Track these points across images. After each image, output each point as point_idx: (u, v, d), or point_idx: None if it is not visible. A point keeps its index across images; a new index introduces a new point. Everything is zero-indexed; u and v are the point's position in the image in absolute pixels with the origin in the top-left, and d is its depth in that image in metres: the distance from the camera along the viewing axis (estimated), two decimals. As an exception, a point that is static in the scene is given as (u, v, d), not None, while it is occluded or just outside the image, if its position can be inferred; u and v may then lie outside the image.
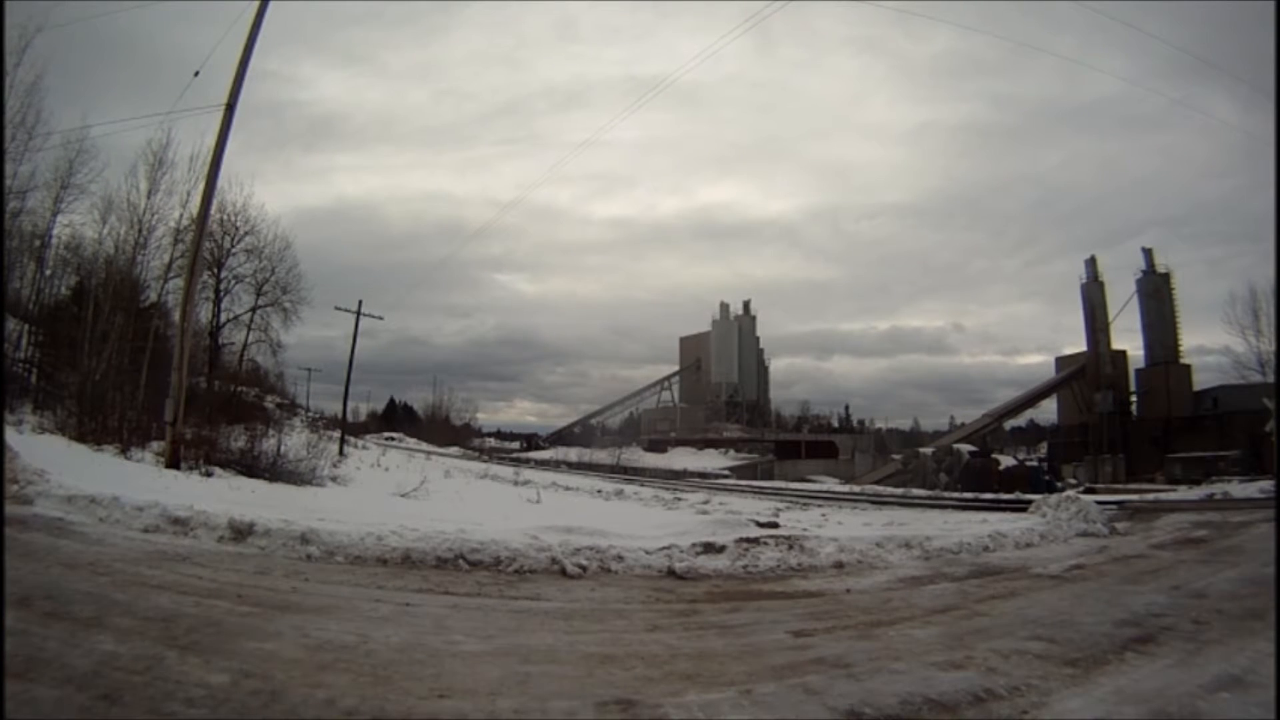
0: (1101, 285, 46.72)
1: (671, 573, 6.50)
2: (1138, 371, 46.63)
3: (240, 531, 6.46)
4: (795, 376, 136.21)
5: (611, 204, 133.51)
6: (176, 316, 16.84)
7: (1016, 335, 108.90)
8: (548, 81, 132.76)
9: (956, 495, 22.07)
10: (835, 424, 74.51)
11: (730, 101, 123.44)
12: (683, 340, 72.91)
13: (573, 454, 54.72)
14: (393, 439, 61.01)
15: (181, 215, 18.61)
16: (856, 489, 28.85)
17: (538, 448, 69.66)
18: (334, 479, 15.96)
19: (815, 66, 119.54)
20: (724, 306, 70.53)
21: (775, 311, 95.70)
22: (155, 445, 13.20)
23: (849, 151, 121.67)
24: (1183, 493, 17.53)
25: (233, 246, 26.42)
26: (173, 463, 11.74)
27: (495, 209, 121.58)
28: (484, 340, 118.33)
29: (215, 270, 25.82)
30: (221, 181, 17.25)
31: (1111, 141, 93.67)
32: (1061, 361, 50.74)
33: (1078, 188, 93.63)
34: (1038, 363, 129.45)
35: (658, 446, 58.17)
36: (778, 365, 75.30)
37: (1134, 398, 46.14)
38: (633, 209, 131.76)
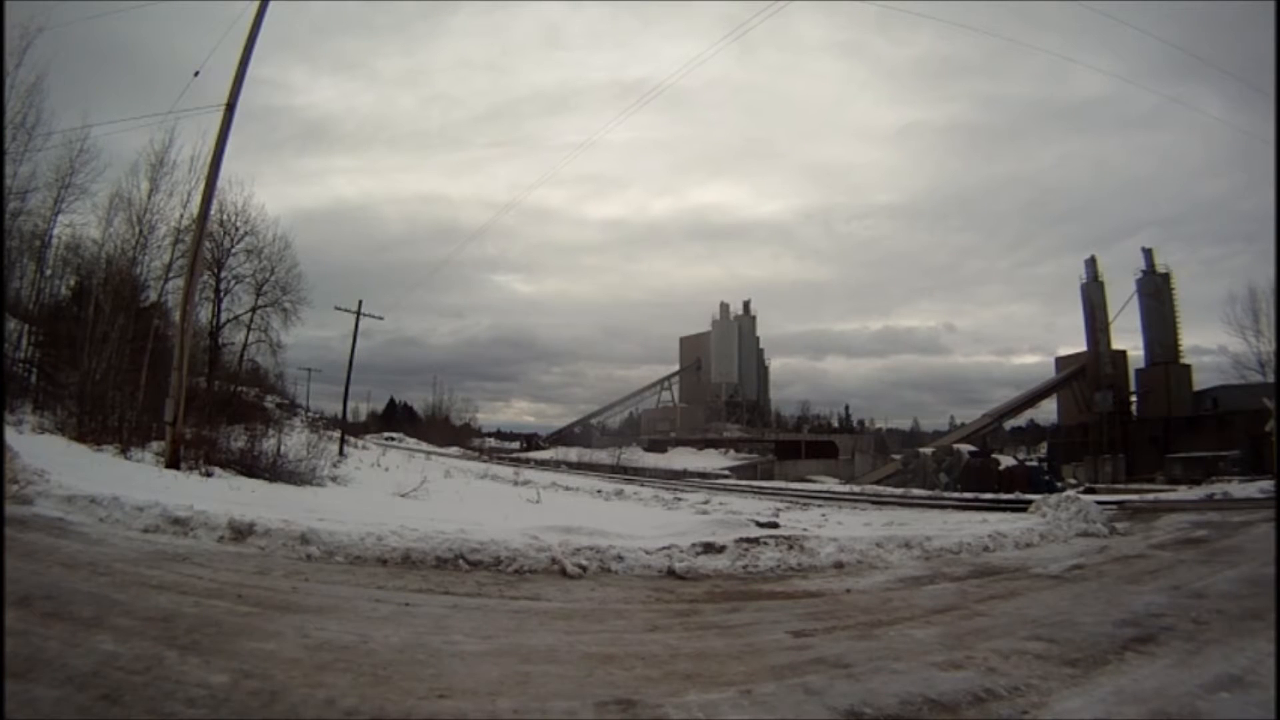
0: (1101, 285, 46.79)
1: (671, 573, 6.50)
2: (1138, 371, 46.67)
3: (240, 531, 6.46)
4: (791, 377, 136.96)
5: (605, 205, 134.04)
6: (176, 316, 16.83)
7: (1011, 335, 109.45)
8: (535, 86, 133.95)
9: (956, 495, 22.08)
10: (835, 424, 74.56)
11: (716, 104, 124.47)
12: (683, 340, 72.95)
13: (573, 454, 54.74)
14: (393, 439, 61.04)
15: (182, 216, 18.59)
16: (856, 489, 28.85)
17: (537, 448, 69.66)
18: (334, 479, 15.96)
19: (798, 70, 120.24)
20: (724, 306, 70.60)
21: (771, 312, 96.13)
22: (155, 445, 13.20)
23: (838, 153, 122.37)
24: (1183, 493, 17.53)
25: (233, 247, 26.37)
26: (173, 463, 11.74)
27: (489, 210, 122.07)
28: (478, 340, 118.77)
29: (215, 270, 25.78)
30: (221, 182, 17.30)
31: (1104, 141, 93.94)
32: (1061, 361, 50.78)
33: (1071, 188, 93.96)
34: (1033, 363, 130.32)
35: (658, 446, 58.18)
36: (774, 365, 75.33)
37: (1134, 398, 46.15)
38: (626, 210, 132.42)
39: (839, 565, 7.12)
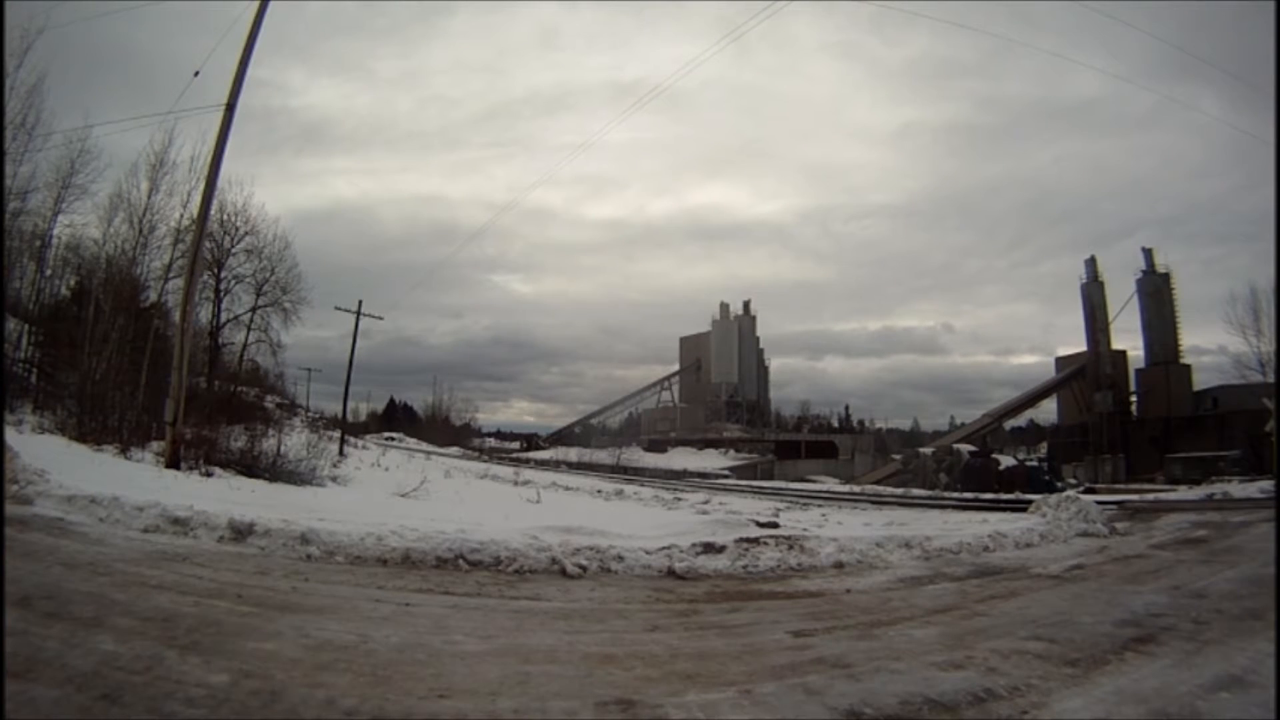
0: (1101, 285, 46.82)
1: (671, 573, 6.49)
2: (1138, 371, 46.69)
3: (240, 531, 6.46)
4: (790, 376, 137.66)
5: (603, 205, 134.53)
6: (176, 316, 16.84)
7: (1009, 335, 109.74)
8: (531, 87, 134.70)
9: (956, 495, 22.08)
10: (835, 424, 74.60)
11: (714, 105, 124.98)
12: (683, 340, 73.00)
13: (573, 454, 54.76)
14: (393, 439, 61.04)
15: (182, 216, 18.64)
16: (856, 489, 28.85)
17: (538, 448, 69.68)
18: (334, 479, 15.97)
19: (794, 71, 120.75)
20: (724, 306, 70.64)
21: (770, 312, 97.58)
22: (155, 445, 13.20)
23: (835, 153, 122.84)
24: (1183, 493, 17.52)
25: (233, 247, 26.45)
26: (173, 463, 11.74)
27: (488, 210, 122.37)
28: (477, 341, 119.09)
29: (215, 270, 25.82)
30: (221, 182, 17.31)
31: (1103, 141, 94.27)
32: (1061, 361, 50.84)
33: (1070, 188, 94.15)
34: (1032, 363, 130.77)
35: (658, 446, 58.19)
36: (774, 365, 75.41)
37: (1134, 398, 46.16)
38: (624, 210, 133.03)
39: (839, 565, 7.12)
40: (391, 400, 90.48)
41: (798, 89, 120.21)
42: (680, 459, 49.60)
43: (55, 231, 19.80)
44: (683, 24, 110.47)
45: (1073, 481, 32.35)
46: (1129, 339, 48.21)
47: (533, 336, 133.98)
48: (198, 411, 15.43)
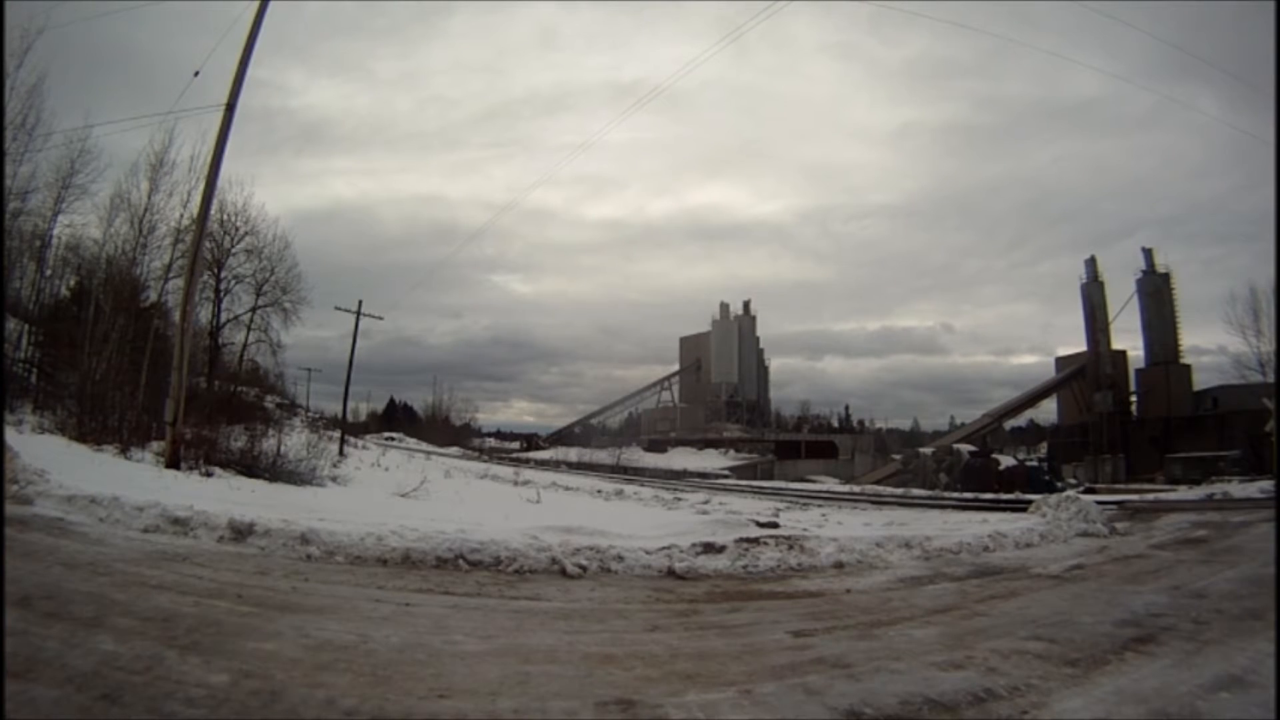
0: (1101, 285, 46.81)
1: (671, 573, 6.50)
2: (1138, 371, 46.68)
3: (240, 531, 6.46)
4: (790, 376, 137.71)
5: (602, 205, 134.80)
6: (176, 316, 16.84)
7: (1009, 335, 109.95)
8: (531, 88, 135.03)
9: (956, 495, 22.07)
10: (835, 424, 74.60)
11: (713, 105, 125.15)
12: (683, 340, 73.01)
13: (572, 454, 54.74)
14: (393, 439, 61.04)
15: (182, 215, 18.63)
16: (856, 489, 28.84)
17: (537, 448, 69.67)
18: (334, 479, 15.96)
19: (793, 72, 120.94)
20: (724, 306, 70.64)
21: (769, 312, 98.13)
22: (155, 445, 13.20)
23: (835, 153, 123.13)
24: (1183, 493, 17.52)
25: (233, 247, 26.46)
26: (173, 463, 11.74)
27: (487, 210, 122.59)
28: (477, 341, 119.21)
29: (215, 270, 25.82)
30: (221, 182, 17.32)
31: (1102, 141, 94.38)
32: (1061, 361, 50.85)
33: (1070, 188, 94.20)
34: (1032, 363, 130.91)
35: (658, 446, 58.19)
36: (773, 365, 75.44)
37: (1134, 398, 46.16)
38: (623, 210, 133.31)
39: (839, 565, 7.12)
40: (391, 400, 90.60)
41: (797, 89, 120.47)
42: (680, 459, 49.61)
43: (55, 231, 19.83)
44: (682, 24, 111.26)
45: (1073, 481, 32.37)
46: (1129, 339, 48.32)
47: (532, 336, 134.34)
48: (198, 411, 15.43)
